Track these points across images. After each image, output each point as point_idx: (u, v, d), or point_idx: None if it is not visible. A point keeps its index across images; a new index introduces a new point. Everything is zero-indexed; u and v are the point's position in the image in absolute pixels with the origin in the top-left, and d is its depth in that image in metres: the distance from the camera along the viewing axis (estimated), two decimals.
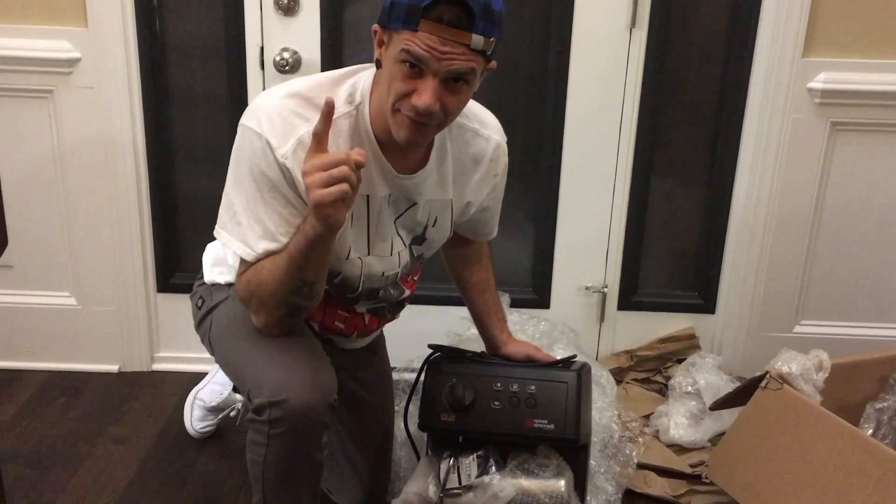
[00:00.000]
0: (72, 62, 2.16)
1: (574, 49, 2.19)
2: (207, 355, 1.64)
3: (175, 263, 2.39)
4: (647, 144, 2.28)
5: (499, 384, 1.62)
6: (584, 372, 1.66)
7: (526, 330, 2.15)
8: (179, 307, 2.19)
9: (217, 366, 1.98)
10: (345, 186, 1.22)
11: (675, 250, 2.44)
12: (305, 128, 1.35)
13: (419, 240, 1.58)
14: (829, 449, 1.63)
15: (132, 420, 2.19)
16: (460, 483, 1.58)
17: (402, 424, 1.80)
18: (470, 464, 1.60)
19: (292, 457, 1.39)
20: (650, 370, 2.41)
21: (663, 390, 2.32)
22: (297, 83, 1.42)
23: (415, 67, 1.26)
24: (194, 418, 2.11)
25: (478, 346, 1.84)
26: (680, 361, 2.35)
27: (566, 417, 1.58)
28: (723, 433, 1.99)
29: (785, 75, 2.17)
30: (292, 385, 1.34)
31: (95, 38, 2.14)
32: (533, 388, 1.61)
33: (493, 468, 1.59)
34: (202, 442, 2.11)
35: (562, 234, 2.36)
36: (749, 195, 2.29)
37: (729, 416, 1.99)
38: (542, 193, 2.34)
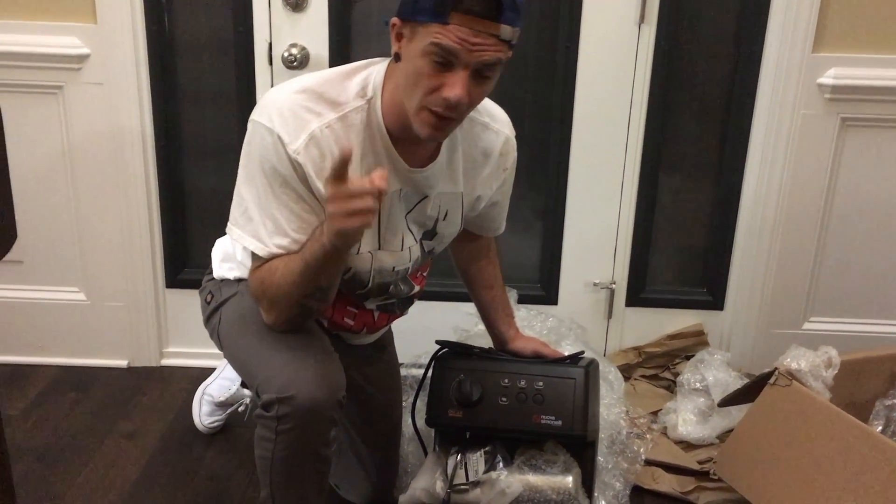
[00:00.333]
0: (81, 58, 2.16)
1: (582, 45, 2.19)
2: (216, 350, 1.64)
3: (184, 259, 2.39)
4: (655, 140, 2.27)
5: (506, 380, 1.62)
6: (591, 368, 1.66)
7: (534, 326, 2.15)
8: (188, 302, 2.20)
9: (225, 361, 2.00)
10: (367, 218, 1.22)
11: (684, 246, 2.43)
12: (317, 123, 1.35)
13: (430, 234, 1.58)
14: (839, 446, 1.63)
15: (141, 415, 2.20)
16: (468, 479, 1.58)
17: (410, 420, 1.80)
18: (477, 460, 1.60)
19: (300, 453, 1.39)
20: (658, 367, 2.41)
21: (671, 387, 2.31)
22: (307, 78, 1.41)
23: (443, 60, 1.26)
24: (203, 413, 2.12)
25: (485, 341, 1.84)
26: (688, 358, 2.35)
27: (574, 414, 1.58)
28: (731, 430, 1.99)
29: (794, 71, 2.16)
30: (301, 381, 1.34)
31: (104, 35, 2.15)
32: (540, 384, 1.60)
33: (501, 464, 1.59)
34: (210, 437, 2.11)
35: (570, 230, 2.36)
36: (758, 191, 2.29)
37: (737, 412, 1.99)
38: (550, 189, 2.34)
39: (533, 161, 2.32)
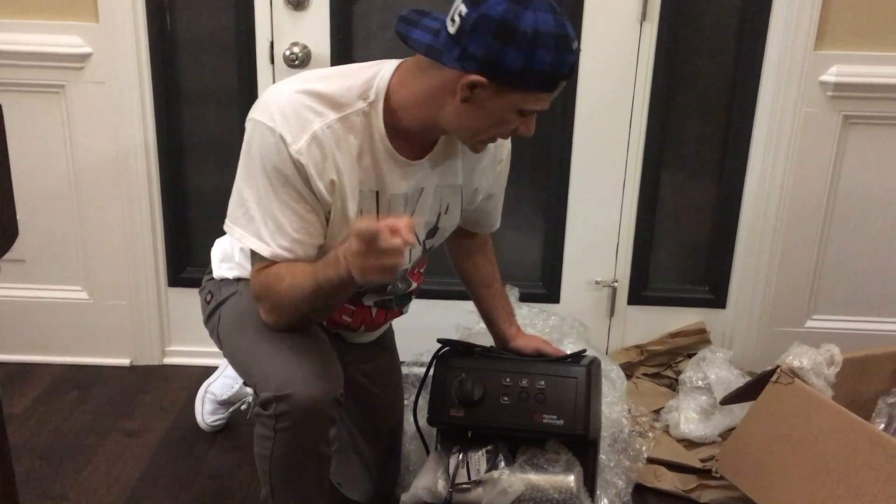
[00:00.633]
0: (83, 57, 2.17)
1: (584, 42, 2.18)
2: (219, 350, 1.64)
3: (186, 258, 2.40)
4: (657, 138, 2.27)
5: (508, 379, 1.61)
6: (593, 367, 1.66)
7: (535, 324, 2.15)
8: (190, 301, 2.19)
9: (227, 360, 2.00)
10: (398, 270, 1.23)
11: (686, 244, 2.43)
12: (319, 123, 1.35)
13: (432, 231, 1.58)
14: (841, 443, 1.63)
15: (143, 413, 2.20)
16: (469, 478, 1.58)
17: (412, 418, 1.80)
18: (479, 459, 1.60)
19: (299, 450, 1.39)
20: (660, 365, 2.41)
21: (674, 385, 2.31)
22: (307, 76, 1.41)
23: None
24: (205, 412, 2.12)
25: (487, 340, 1.84)
26: (690, 356, 2.35)
27: (575, 412, 1.58)
28: (733, 428, 1.99)
29: (797, 68, 2.16)
30: (298, 379, 1.34)
31: (107, 34, 2.15)
32: (542, 383, 1.60)
33: (503, 463, 1.59)
34: (213, 435, 2.12)
35: (572, 229, 2.36)
36: (760, 189, 2.28)
37: (740, 410, 1.98)
38: (551, 187, 2.34)
39: (535, 159, 2.32)
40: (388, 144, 1.40)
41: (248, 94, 2.21)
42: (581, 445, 1.64)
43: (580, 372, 1.61)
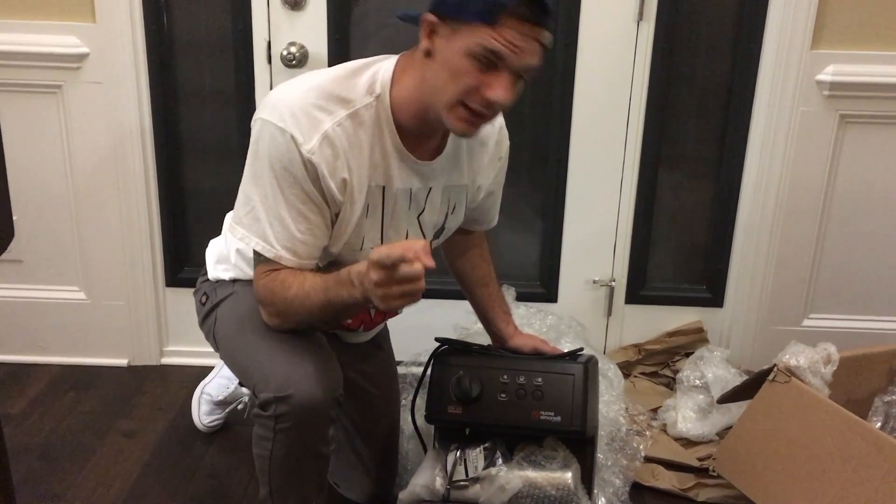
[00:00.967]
0: (80, 57, 2.17)
1: (581, 42, 2.19)
2: (214, 351, 1.64)
3: (183, 258, 2.40)
4: (654, 137, 2.28)
5: (505, 376, 1.62)
6: (590, 364, 1.66)
7: (533, 324, 2.15)
8: (188, 301, 2.18)
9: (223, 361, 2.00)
10: (417, 297, 1.22)
11: (683, 244, 2.43)
12: (330, 122, 1.35)
13: (439, 232, 1.59)
14: (837, 442, 1.63)
15: (141, 414, 2.20)
16: (467, 475, 1.58)
17: (410, 417, 1.80)
18: (477, 456, 1.60)
19: (298, 451, 1.40)
20: (658, 364, 2.41)
21: (671, 384, 2.32)
22: (314, 76, 1.41)
23: (488, 62, 1.27)
24: (202, 412, 2.12)
25: (485, 339, 1.84)
26: (688, 355, 2.35)
27: (573, 409, 1.58)
28: (731, 427, 1.98)
29: (793, 68, 2.16)
30: (297, 380, 1.34)
31: (104, 34, 2.15)
32: (539, 380, 1.60)
33: (500, 460, 1.59)
34: (210, 435, 2.11)
35: (569, 228, 2.36)
36: (757, 188, 2.29)
37: (737, 409, 1.99)
38: (549, 187, 2.34)
39: (532, 159, 2.32)
40: (396, 138, 1.41)
41: (246, 94, 2.21)
42: (578, 442, 1.64)
43: (577, 369, 1.62)
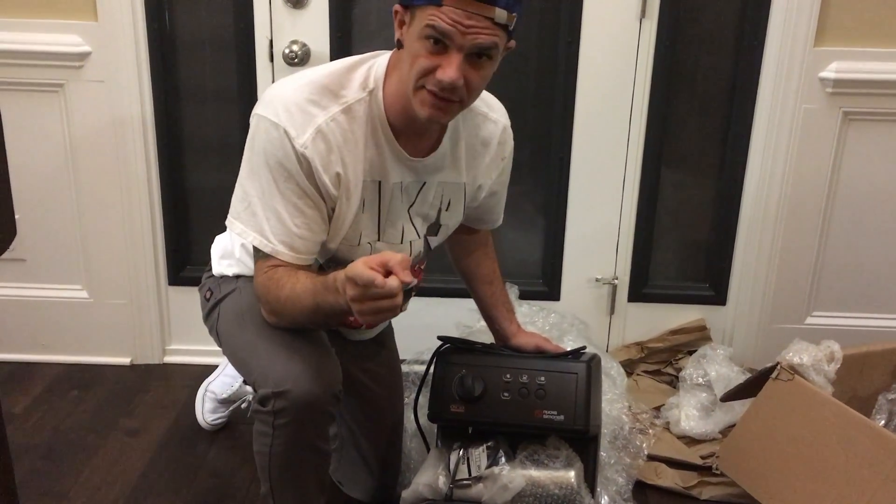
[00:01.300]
0: (82, 56, 2.17)
1: (584, 40, 2.18)
2: (219, 347, 1.64)
3: (186, 256, 2.40)
4: (657, 135, 2.27)
5: (508, 375, 1.62)
6: (593, 363, 1.66)
7: (535, 322, 2.15)
8: (190, 300, 2.19)
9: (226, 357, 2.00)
10: (395, 312, 1.21)
11: (686, 242, 2.43)
12: (323, 116, 1.36)
13: (434, 228, 1.58)
14: (841, 440, 1.63)
15: (144, 412, 2.20)
16: (470, 474, 1.58)
17: (413, 416, 1.80)
18: (480, 455, 1.60)
19: (297, 447, 1.40)
20: (661, 362, 2.41)
21: (674, 382, 2.31)
22: (311, 72, 1.42)
23: (439, 43, 1.27)
24: (205, 411, 2.12)
25: (488, 337, 1.84)
26: (691, 353, 2.34)
27: (576, 408, 1.58)
28: (734, 425, 1.98)
29: (796, 65, 2.16)
30: (296, 376, 1.35)
31: (105, 32, 2.15)
32: (542, 378, 1.60)
33: (503, 459, 1.59)
34: (214, 434, 2.11)
35: (572, 226, 2.36)
36: (760, 186, 2.28)
37: (740, 407, 1.99)
38: (551, 185, 2.34)
39: (535, 156, 2.31)
40: (389, 133, 1.41)
41: (248, 92, 2.21)
42: (581, 441, 1.64)
43: (580, 368, 1.61)
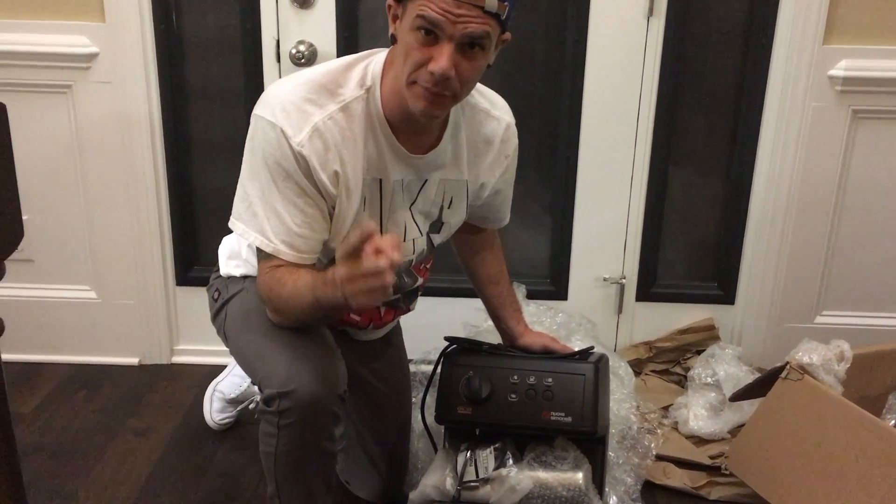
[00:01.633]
0: (90, 57, 2.17)
1: (591, 38, 2.18)
2: (226, 348, 1.64)
3: (193, 256, 2.40)
4: (665, 134, 2.26)
5: (515, 376, 1.61)
6: (601, 364, 1.65)
7: (543, 321, 2.14)
8: (198, 300, 2.19)
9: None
10: (386, 292, 1.20)
11: (694, 241, 2.42)
12: (320, 115, 1.36)
13: (437, 226, 1.58)
14: (851, 440, 1.62)
15: (152, 412, 2.21)
16: (478, 476, 1.58)
17: (420, 416, 1.80)
18: (487, 456, 1.59)
19: (303, 447, 1.40)
20: (669, 361, 2.40)
21: (682, 382, 2.31)
22: (309, 71, 1.42)
23: (430, 34, 1.26)
24: (214, 410, 2.12)
25: (495, 337, 1.83)
26: (699, 352, 2.34)
27: (583, 410, 1.58)
28: (743, 425, 1.98)
29: (805, 63, 2.15)
30: (301, 376, 1.35)
31: (113, 33, 2.15)
32: (550, 380, 1.60)
33: (511, 461, 1.59)
34: (221, 434, 2.12)
35: (579, 225, 2.35)
36: (769, 184, 2.27)
37: (749, 407, 1.98)
38: (559, 184, 2.33)
39: (542, 155, 2.31)
40: (387, 130, 1.41)
41: (255, 92, 2.20)
42: (589, 442, 1.63)
43: (588, 369, 1.61)
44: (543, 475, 1.58)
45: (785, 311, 2.38)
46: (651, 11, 2.15)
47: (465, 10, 1.24)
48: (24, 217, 1.09)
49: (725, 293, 2.42)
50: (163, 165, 2.29)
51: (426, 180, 1.50)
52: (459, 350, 1.70)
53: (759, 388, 1.85)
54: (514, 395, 1.60)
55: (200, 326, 2.34)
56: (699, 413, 2.12)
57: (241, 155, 1.43)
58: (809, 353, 1.74)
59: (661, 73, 2.20)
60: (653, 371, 2.37)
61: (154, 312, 2.40)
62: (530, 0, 2.18)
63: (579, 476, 1.58)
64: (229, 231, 1.60)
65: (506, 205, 1.72)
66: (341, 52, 2.18)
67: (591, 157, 2.28)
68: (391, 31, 1.34)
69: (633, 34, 2.18)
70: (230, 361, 2.15)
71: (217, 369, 2.19)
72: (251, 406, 2.10)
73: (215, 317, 1.65)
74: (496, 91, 1.59)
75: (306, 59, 2.16)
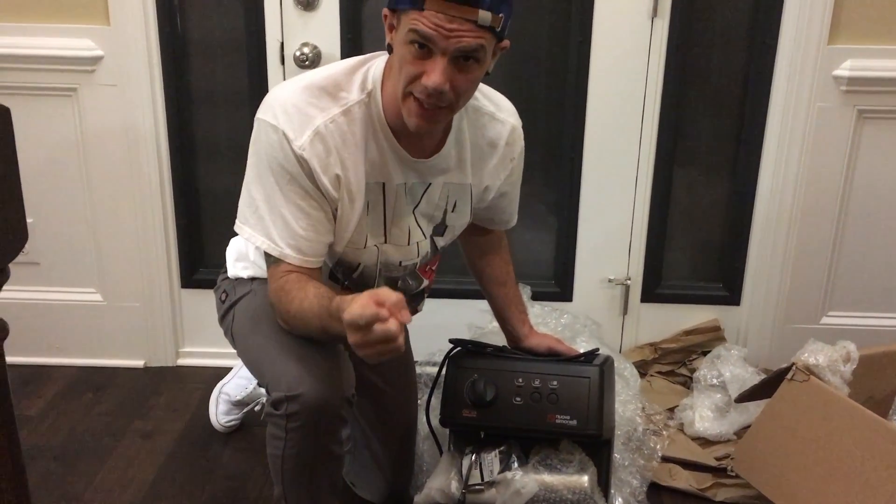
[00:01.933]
0: (95, 60, 2.17)
1: (595, 39, 2.17)
2: (232, 350, 1.64)
3: (198, 259, 2.40)
4: (669, 135, 2.26)
5: (520, 379, 1.61)
6: (606, 366, 1.65)
7: (548, 323, 2.14)
8: (203, 302, 2.20)
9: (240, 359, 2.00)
10: (399, 351, 1.18)
11: (699, 241, 2.41)
12: (321, 118, 1.36)
13: (440, 229, 1.58)
14: (857, 441, 1.61)
15: (158, 415, 2.21)
16: (482, 479, 1.58)
17: (425, 419, 1.80)
18: (492, 460, 1.59)
19: (310, 450, 1.40)
20: (674, 363, 2.40)
21: (688, 383, 2.30)
22: (311, 74, 1.42)
23: (423, 47, 1.26)
24: (219, 412, 2.12)
25: (499, 339, 1.83)
26: (705, 354, 2.33)
27: (589, 413, 1.57)
28: (748, 426, 1.97)
29: (810, 63, 2.14)
30: (308, 380, 1.35)
31: (118, 36, 2.16)
32: (555, 383, 1.60)
33: (516, 464, 1.59)
34: (227, 436, 2.12)
35: (584, 226, 2.35)
36: (774, 185, 2.27)
37: (755, 408, 1.97)
38: (563, 185, 2.33)
39: (546, 157, 2.31)
40: (389, 134, 1.41)
41: (259, 94, 2.17)
42: (595, 445, 1.63)
43: (593, 371, 1.61)
44: (549, 478, 1.58)
45: (791, 312, 2.37)
46: (655, 12, 2.15)
47: (457, 25, 1.24)
48: (29, 220, 1.09)
49: (731, 294, 2.42)
50: (168, 167, 2.29)
51: (430, 184, 1.49)
52: (464, 352, 1.69)
53: (764, 389, 1.85)
54: (519, 398, 1.60)
55: (206, 329, 2.35)
56: (705, 414, 2.11)
57: (246, 157, 1.44)
58: (815, 354, 1.74)
59: (666, 74, 2.20)
60: (658, 372, 2.37)
61: (159, 315, 2.41)
62: (534, 1, 2.18)
63: (585, 479, 1.58)
64: (234, 233, 1.60)
65: (512, 207, 1.72)
66: (345, 54, 2.18)
67: (596, 159, 2.28)
68: (388, 40, 1.34)
69: (637, 35, 2.18)
70: (236, 363, 2.15)
71: (222, 371, 2.19)
72: (257, 408, 2.10)
73: (223, 318, 1.65)
74: (500, 92, 1.58)
75: (310, 61, 2.16)
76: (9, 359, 1.07)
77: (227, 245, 1.70)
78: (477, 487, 1.58)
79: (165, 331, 2.42)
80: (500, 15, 1.26)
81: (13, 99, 2.16)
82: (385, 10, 1.33)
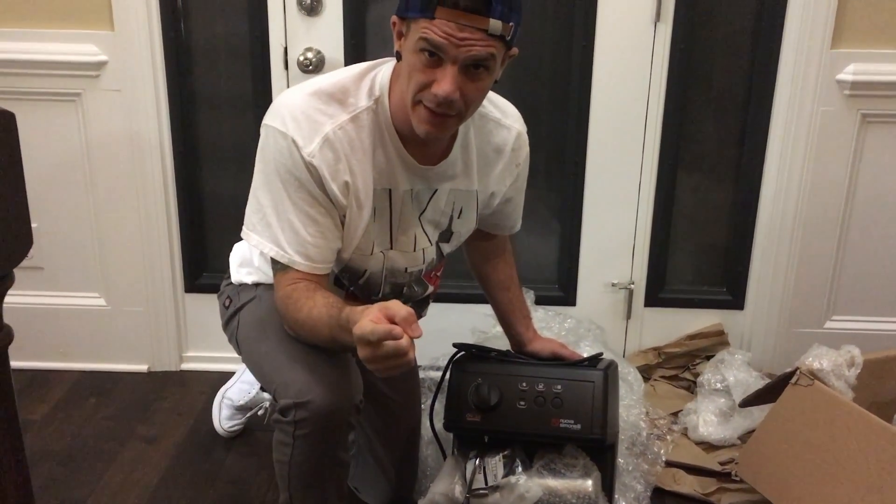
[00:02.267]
0: (99, 65, 2.18)
1: (598, 44, 2.18)
2: (235, 354, 1.65)
3: (202, 264, 2.40)
4: (673, 139, 2.26)
5: (524, 384, 1.61)
6: (610, 370, 1.65)
7: (552, 327, 2.14)
8: (207, 307, 2.20)
9: (245, 365, 2.00)
10: (409, 366, 1.18)
11: (703, 246, 2.41)
12: (330, 125, 1.35)
13: (446, 235, 1.58)
14: (862, 445, 1.61)
15: (161, 419, 2.21)
16: (486, 483, 1.58)
17: (429, 423, 1.80)
18: (496, 464, 1.59)
19: (318, 457, 1.40)
20: (678, 367, 2.39)
21: (692, 387, 2.30)
22: (319, 80, 1.42)
23: (433, 56, 1.26)
24: (223, 417, 2.12)
25: (503, 343, 1.83)
26: (709, 358, 2.33)
27: (593, 417, 1.57)
28: (753, 430, 1.97)
29: (813, 67, 2.14)
30: (317, 387, 1.35)
31: (122, 42, 2.16)
32: (559, 387, 1.60)
33: (520, 468, 1.59)
34: (230, 441, 2.12)
35: (588, 231, 2.35)
36: (778, 189, 2.27)
37: (759, 413, 1.97)
38: (567, 189, 2.33)
39: (550, 161, 2.31)
40: (396, 141, 1.41)
41: (263, 99, 2.22)
42: (599, 450, 1.63)
43: (597, 376, 1.61)
44: (553, 483, 1.58)
45: (795, 316, 2.37)
46: (658, 17, 2.15)
47: (468, 34, 1.23)
48: (33, 225, 1.09)
49: (735, 298, 2.41)
50: (171, 172, 2.29)
51: (436, 190, 1.49)
52: (468, 357, 1.69)
53: (768, 393, 1.84)
54: (523, 403, 1.60)
55: (209, 333, 2.35)
56: (709, 419, 2.11)
57: (250, 162, 1.44)
58: (819, 359, 1.73)
59: (669, 79, 2.20)
60: (662, 377, 2.37)
61: (163, 319, 2.41)
62: (537, 6, 2.18)
63: (589, 483, 1.58)
64: (239, 238, 1.60)
65: (517, 212, 1.72)
66: (349, 59, 2.18)
67: (600, 163, 2.28)
68: (396, 47, 1.34)
69: (640, 40, 2.18)
70: (239, 368, 2.15)
71: (226, 376, 2.19)
72: (260, 413, 2.10)
73: (227, 324, 1.65)
74: (504, 97, 1.59)
75: (314, 66, 2.16)
76: (13, 363, 1.08)
77: (230, 250, 1.70)
78: (481, 492, 1.57)
79: (169, 335, 2.42)
80: (511, 24, 1.26)
81: (18, 104, 2.16)
82: (394, 18, 1.32)
